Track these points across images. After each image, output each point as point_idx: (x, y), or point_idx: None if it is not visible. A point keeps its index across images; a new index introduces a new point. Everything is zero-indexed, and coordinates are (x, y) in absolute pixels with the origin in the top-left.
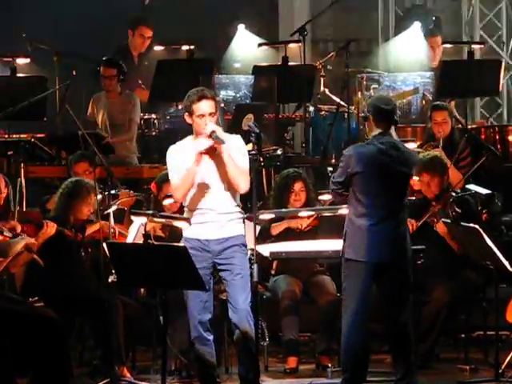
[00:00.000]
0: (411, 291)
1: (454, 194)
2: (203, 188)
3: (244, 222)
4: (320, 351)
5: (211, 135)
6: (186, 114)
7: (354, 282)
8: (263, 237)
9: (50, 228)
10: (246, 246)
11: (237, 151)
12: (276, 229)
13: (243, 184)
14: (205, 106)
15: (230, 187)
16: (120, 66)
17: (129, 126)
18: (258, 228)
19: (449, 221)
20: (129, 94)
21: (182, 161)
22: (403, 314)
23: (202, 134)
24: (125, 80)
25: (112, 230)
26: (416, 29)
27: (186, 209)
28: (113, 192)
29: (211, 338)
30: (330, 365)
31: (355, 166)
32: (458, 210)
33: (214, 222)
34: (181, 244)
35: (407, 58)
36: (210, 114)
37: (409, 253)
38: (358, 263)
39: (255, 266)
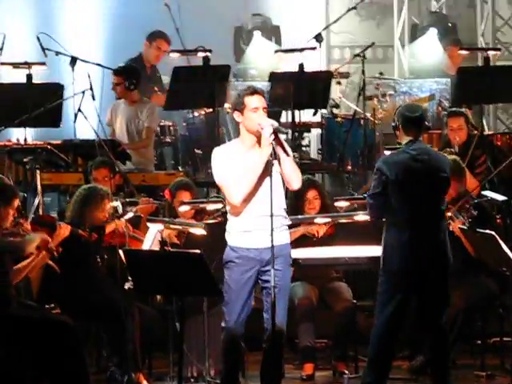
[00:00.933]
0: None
1: (470, 199)
2: (256, 193)
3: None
4: (336, 357)
5: (276, 130)
6: (236, 111)
7: (390, 291)
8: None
9: (64, 229)
10: (290, 256)
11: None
12: (292, 235)
13: (297, 180)
14: (258, 100)
15: (281, 190)
16: (128, 73)
17: (146, 134)
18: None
19: (465, 227)
20: (146, 101)
21: (231, 162)
22: (442, 321)
23: (255, 131)
24: (135, 88)
25: (127, 232)
26: (432, 35)
27: (231, 217)
28: (133, 199)
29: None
30: (346, 371)
31: (389, 175)
32: (474, 213)
33: (264, 229)
34: (196, 251)
35: (424, 64)
36: (264, 109)
37: (450, 260)
38: (397, 273)
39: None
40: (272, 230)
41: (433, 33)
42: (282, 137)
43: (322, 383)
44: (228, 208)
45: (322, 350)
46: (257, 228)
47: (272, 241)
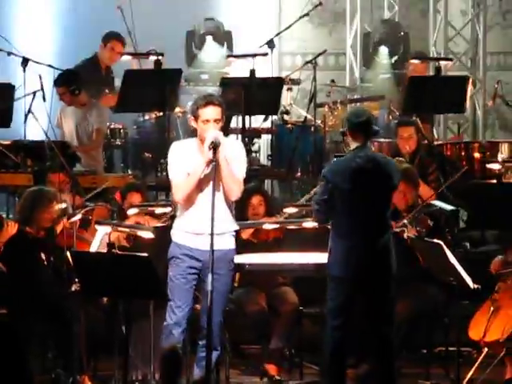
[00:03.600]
0: (393, 306)
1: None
2: (201, 197)
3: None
4: (268, 361)
5: (215, 142)
6: (192, 117)
7: (336, 298)
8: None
9: (11, 227)
10: (233, 261)
11: (234, 158)
12: (245, 233)
13: (236, 191)
14: (211, 112)
15: (218, 197)
16: (68, 80)
17: (96, 135)
18: None
19: (413, 236)
20: (94, 103)
21: (184, 159)
22: (387, 329)
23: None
24: (79, 92)
25: (75, 232)
26: (383, 56)
27: (179, 214)
28: (90, 205)
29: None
30: (276, 375)
31: (334, 182)
32: (430, 223)
33: (209, 233)
34: (144, 254)
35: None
36: (215, 121)
37: (393, 269)
38: (340, 279)
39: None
40: (212, 234)
41: (384, 52)
42: (235, 150)
43: None
44: (178, 206)
45: (254, 354)
46: (202, 231)
47: (212, 245)
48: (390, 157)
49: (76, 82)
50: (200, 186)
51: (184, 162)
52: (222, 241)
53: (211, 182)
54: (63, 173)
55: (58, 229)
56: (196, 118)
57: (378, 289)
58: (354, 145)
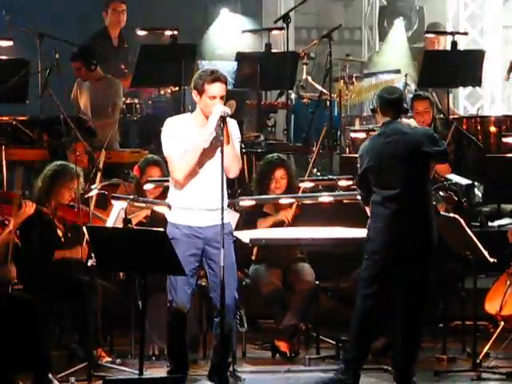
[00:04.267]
0: (428, 282)
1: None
2: (199, 172)
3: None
4: (278, 337)
5: (224, 116)
6: (195, 91)
7: (371, 268)
8: (248, 227)
9: (29, 207)
10: (232, 233)
11: (234, 136)
12: (262, 225)
13: (235, 169)
14: (218, 88)
15: (223, 173)
16: (84, 55)
17: (111, 111)
18: (236, 215)
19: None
20: (111, 79)
21: (181, 135)
22: (416, 306)
23: (208, 114)
24: (95, 67)
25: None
26: (399, 27)
27: (174, 192)
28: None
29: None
30: (287, 351)
31: (365, 162)
32: (455, 198)
33: (208, 209)
34: (160, 229)
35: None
36: (221, 98)
37: (432, 242)
38: (376, 253)
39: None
40: (222, 208)
41: (400, 25)
42: (233, 128)
43: (262, 364)
44: (171, 182)
45: (264, 330)
46: (199, 207)
47: (222, 219)
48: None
49: (92, 57)
50: (199, 161)
51: (181, 137)
52: (220, 215)
53: (211, 158)
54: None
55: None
56: (201, 92)
57: (416, 263)
58: (383, 120)
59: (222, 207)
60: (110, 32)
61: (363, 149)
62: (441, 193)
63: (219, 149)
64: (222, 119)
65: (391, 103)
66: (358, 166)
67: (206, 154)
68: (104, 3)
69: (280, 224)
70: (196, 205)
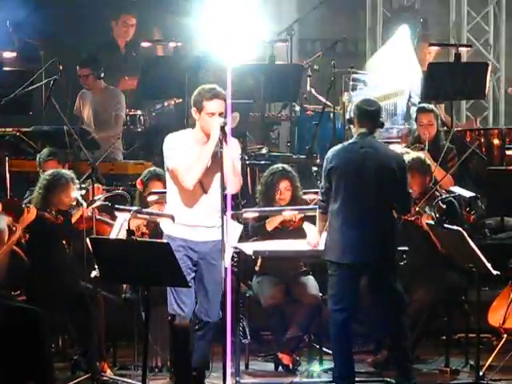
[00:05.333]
0: (395, 292)
1: (438, 194)
2: (198, 190)
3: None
4: (281, 350)
5: (223, 126)
6: (194, 109)
7: (335, 283)
8: (258, 234)
9: (31, 213)
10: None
11: (234, 154)
12: (271, 224)
13: (236, 186)
14: (216, 105)
15: (220, 189)
16: (94, 62)
17: (115, 122)
18: (240, 227)
19: (432, 222)
20: (113, 90)
21: (182, 150)
22: (392, 314)
23: (208, 132)
24: (103, 76)
25: (94, 216)
26: (403, 33)
27: (172, 208)
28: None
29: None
30: (290, 364)
31: (330, 163)
32: (443, 206)
33: (206, 226)
34: (164, 240)
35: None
36: (220, 114)
37: (389, 253)
38: (337, 265)
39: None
40: (223, 219)
41: (405, 29)
42: (234, 146)
43: (265, 376)
44: (169, 198)
45: (267, 342)
46: (197, 223)
47: (223, 231)
48: (410, 143)
49: (101, 66)
50: (204, 175)
51: (183, 151)
52: (217, 232)
53: (210, 174)
54: (55, 160)
55: (75, 217)
56: (200, 110)
57: (376, 275)
58: (359, 131)
59: (223, 218)
60: (118, 41)
61: (332, 151)
62: (427, 208)
63: (218, 166)
64: (222, 129)
65: (370, 115)
66: (323, 167)
67: (206, 171)
68: (114, 13)
69: (288, 223)
70: (194, 222)
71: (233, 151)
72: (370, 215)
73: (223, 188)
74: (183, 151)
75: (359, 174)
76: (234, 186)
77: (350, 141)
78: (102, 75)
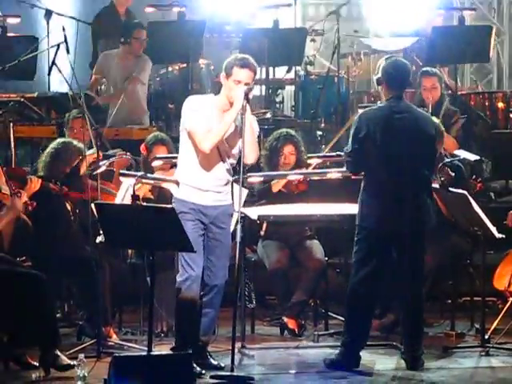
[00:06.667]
0: (419, 264)
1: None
2: (216, 151)
3: (232, 185)
4: (286, 314)
5: (248, 93)
6: (224, 73)
7: (366, 250)
8: (264, 196)
9: (35, 183)
10: (232, 215)
11: (253, 127)
12: (276, 185)
13: (253, 156)
14: (245, 74)
15: (236, 156)
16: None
17: (129, 83)
18: (245, 192)
19: (437, 186)
20: (145, 58)
21: (203, 113)
22: (415, 285)
23: (230, 99)
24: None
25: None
26: None
27: (183, 170)
28: (109, 153)
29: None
30: (296, 329)
31: (367, 131)
32: (451, 173)
33: (216, 191)
34: (169, 206)
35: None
36: (246, 84)
37: (426, 223)
38: (370, 231)
39: (239, 228)
40: (241, 182)
41: None
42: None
43: (270, 340)
44: (182, 160)
45: (273, 307)
46: (207, 187)
47: (240, 196)
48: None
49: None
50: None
51: (203, 115)
52: (226, 197)
53: (227, 142)
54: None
55: (82, 169)
56: (228, 75)
57: (408, 243)
58: (388, 94)
59: (240, 185)
60: (117, 7)
61: (364, 117)
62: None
63: (236, 135)
64: (246, 97)
65: (398, 77)
66: (353, 132)
67: (225, 137)
68: None
69: (293, 187)
70: (205, 186)
71: (253, 121)
72: (410, 183)
73: (243, 155)
74: (204, 115)
75: (396, 141)
76: (251, 157)
77: (382, 105)
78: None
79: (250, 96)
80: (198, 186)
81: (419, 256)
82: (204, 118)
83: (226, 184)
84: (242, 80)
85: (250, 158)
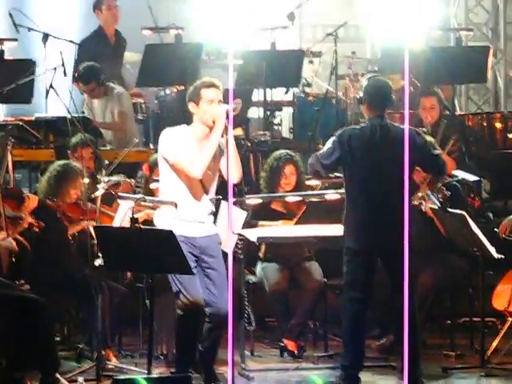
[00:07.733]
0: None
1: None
2: (193, 184)
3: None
4: (286, 336)
5: (228, 114)
6: (192, 102)
7: (351, 270)
8: (262, 214)
9: (32, 201)
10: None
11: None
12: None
13: (239, 173)
14: (214, 93)
15: (216, 181)
16: (96, 76)
17: (118, 117)
18: (244, 214)
19: (436, 207)
20: (111, 88)
21: (184, 145)
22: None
23: (208, 123)
24: (106, 81)
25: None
26: None
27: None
28: (115, 179)
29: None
30: (295, 351)
31: (349, 146)
32: (447, 193)
33: (201, 221)
34: (168, 228)
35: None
36: (219, 102)
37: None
38: (354, 251)
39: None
40: (230, 207)
41: None
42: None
43: (270, 363)
44: (164, 192)
45: (272, 329)
46: (192, 219)
47: (230, 215)
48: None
49: (101, 72)
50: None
51: (183, 145)
52: (211, 226)
53: (208, 168)
54: (88, 148)
55: (77, 228)
56: (197, 101)
57: (394, 261)
58: (369, 114)
59: (229, 206)
60: (106, 30)
61: (344, 134)
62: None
63: (215, 161)
64: (226, 116)
65: (379, 96)
66: (329, 146)
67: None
68: (95, 3)
69: (293, 207)
70: (189, 216)
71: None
72: (391, 200)
73: (230, 177)
74: (184, 145)
75: (377, 160)
76: (236, 174)
77: (363, 124)
78: (105, 82)
79: (231, 115)
80: (182, 217)
81: (402, 273)
82: (184, 148)
83: (210, 214)
84: (214, 99)
85: (236, 177)
